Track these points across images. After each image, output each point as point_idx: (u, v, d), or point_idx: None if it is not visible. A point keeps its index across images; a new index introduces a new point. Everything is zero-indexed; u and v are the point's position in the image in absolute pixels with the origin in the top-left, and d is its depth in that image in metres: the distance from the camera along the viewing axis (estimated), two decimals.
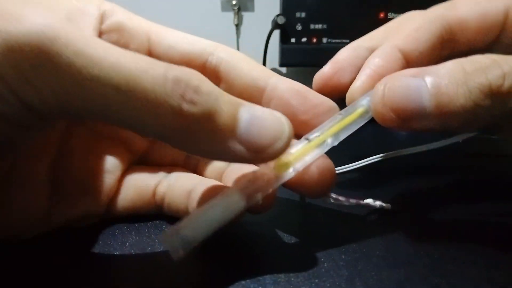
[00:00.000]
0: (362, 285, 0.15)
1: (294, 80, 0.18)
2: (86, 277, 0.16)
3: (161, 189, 0.20)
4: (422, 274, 0.16)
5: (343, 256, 0.17)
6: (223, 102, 0.14)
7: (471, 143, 0.31)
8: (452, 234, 0.19)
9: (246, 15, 0.76)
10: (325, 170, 0.17)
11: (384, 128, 0.17)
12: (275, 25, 0.65)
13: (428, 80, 0.15)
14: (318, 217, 0.21)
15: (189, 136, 0.14)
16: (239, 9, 0.75)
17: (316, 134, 0.17)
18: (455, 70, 0.15)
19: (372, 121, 0.17)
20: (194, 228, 0.14)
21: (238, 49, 0.76)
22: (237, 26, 0.76)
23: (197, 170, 0.22)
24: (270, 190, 0.16)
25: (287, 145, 0.15)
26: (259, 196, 0.15)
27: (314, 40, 0.65)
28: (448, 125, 0.16)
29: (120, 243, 0.18)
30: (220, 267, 0.16)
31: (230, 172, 0.20)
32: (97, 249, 0.18)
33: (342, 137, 0.17)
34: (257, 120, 0.14)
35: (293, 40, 0.66)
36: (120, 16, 0.19)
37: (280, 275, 0.16)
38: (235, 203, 0.15)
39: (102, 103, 0.13)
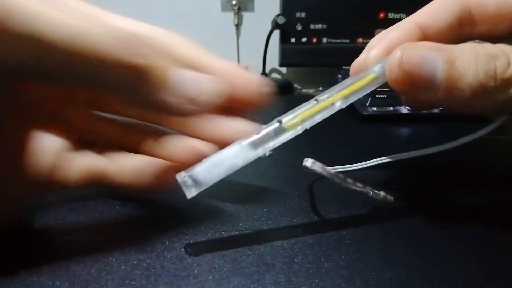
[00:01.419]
0: (362, 285, 0.15)
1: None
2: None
3: (110, 168, 0.20)
4: (422, 274, 0.16)
5: (343, 256, 0.17)
6: (160, 59, 0.15)
7: (471, 143, 0.31)
8: (453, 234, 0.19)
9: (246, 15, 0.76)
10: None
11: (393, 130, 0.17)
12: (275, 25, 0.65)
13: (444, 55, 0.17)
14: (318, 216, 0.21)
15: (133, 86, 0.15)
16: (239, 9, 0.75)
17: (326, 95, 0.18)
18: (469, 52, 0.17)
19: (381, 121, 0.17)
20: (206, 172, 0.16)
21: (238, 49, 0.76)
22: (237, 26, 0.76)
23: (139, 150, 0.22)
24: (276, 143, 0.17)
25: (215, 97, 0.17)
26: (266, 149, 0.17)
27: (314, 40, 0.65)
28: (452, 102, 0.17)
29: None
30: (220, 267, 0.16)
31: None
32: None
33: (351, 100, 0.18)
34: (189, 74, 0.16)
35: (293, 40, 0.66)
36: None
37: (280, 275, 0.16)
38: (244, 152, 0.17)
39: (49, 59, 0.14)
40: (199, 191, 0.16)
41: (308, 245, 0.18)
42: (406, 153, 0.25)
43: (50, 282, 0.15)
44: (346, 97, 0.18)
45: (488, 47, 0.17)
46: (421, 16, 0.20)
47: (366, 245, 0.18)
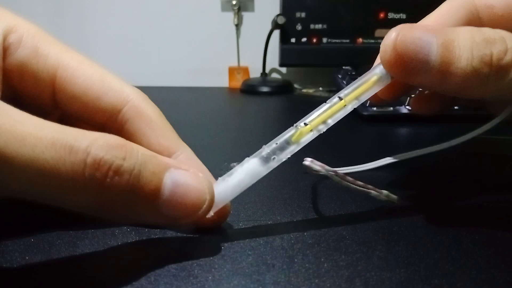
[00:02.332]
0: (362, 285, 0.15)
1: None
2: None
3: None
4: (422, 274, 0.16)
5: (343, 256, 0.17)
6: (145, 175, 0.14)
7: (471, 143, 0.31)
8: (453, 234, 0.19)
9: (246, 15, 0.76)
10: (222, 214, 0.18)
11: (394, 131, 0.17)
12: (275, 25, 0.65)
13: (440, 38, 0.16)
14: (318, 216, 0.21)
15: (111, 208, 0.14)
16: (239, 9, 0.75)
17: (336, 99, 0.19)
18: (465, 36, 0.16)
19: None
20: (221, 193, 0.17)
21: (238, 49, 0.76)
22: (237, 26, 0.76)
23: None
24: (288, 155, 0.18)
25: (206, 213, 0.16)
26: (276, 158, 0.18)
27: (314, 40, 0.65)
28: (445, 86, 0.17)
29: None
30: (220, 267, 0.16)
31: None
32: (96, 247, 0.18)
33: (362, 100, 0.19)
34: (179, 188, 0.15)
35: (293, 40, 0.66)
36: (25, 52, 0.17)
37: (280, 275, 0.16)
38: (255, 169, 0.17)
39: (20, 187, 0.13)
40: (216, 210, 0.17)
41: (308, 245, 0.18)
42: (407, 152, 0.25)
43: (49, 281, 0.15)
44: (357, 98, 0.19)
45: (486, 31, 0.16)
46: (430, 23, 0.20)
47: (366, 245, 0.18)
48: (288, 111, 0.52)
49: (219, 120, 0.47)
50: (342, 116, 0.19)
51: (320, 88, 0.67)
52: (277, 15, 0.64)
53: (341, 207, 0.22)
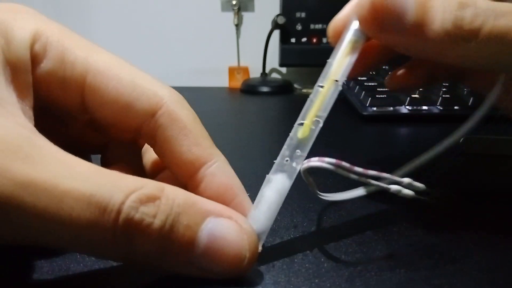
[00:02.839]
0: (362, 285, 0.15)
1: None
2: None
3: None
4: (423, 274, 0.16)
5: (343, 256, 0.17)
6: (178, 229, 0.14)
7: (471, 143, 0.31)
8: (453, 235, 0.19)
9: (246, 15, 0.76)
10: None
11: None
12: (275, 25, 0.65)
13: None
14: (318, 216, 0.21)
15: (142, 260, 0.14)
16: (239, 9, 0.75)
17: (324, 79, 0.18)
18: None
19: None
20: (259, 222, 0.16)
21: (238, 49, 0.76)
22: (237, 26, 0.76)
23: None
24: (306, 152, 0.17)
25: (248, 268, 0.15)
26: (298, 166, 0.17)
27: (314, 40, 0.65)
28: (419, 46, 0.17)
29: None
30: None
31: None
32: None
33: (347, 73, 0.18)
34: (216, 242, 0.14)
35: (293, 40, 0.66)
36: (51, 62, 0.16)
37: (280, 275, 0.16)
38: (284, 185, 0.17)
39: (47, 240, 0.13)
40: (263, 242, 0.16)
41: (308, 245, 0.18)
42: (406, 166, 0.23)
43: (49, 282, 0.15)
44: (340, 77, 0.18)
45: None
46: None
47: (366, 245, 0.18)
48: (288, 111, 0.52)
49: (219, 120, 0.47)
50: (336, 96, 0.18)
51: None
52: (277, 15, 0.64)
53: (340, 207, 0.22)
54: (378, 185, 0.18)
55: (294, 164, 0.17)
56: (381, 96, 0.44)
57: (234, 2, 0.74)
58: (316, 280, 0.15)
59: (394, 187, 0.18)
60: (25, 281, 0.15)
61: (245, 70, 0.76)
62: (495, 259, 0.17)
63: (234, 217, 0.15)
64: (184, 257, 0.14)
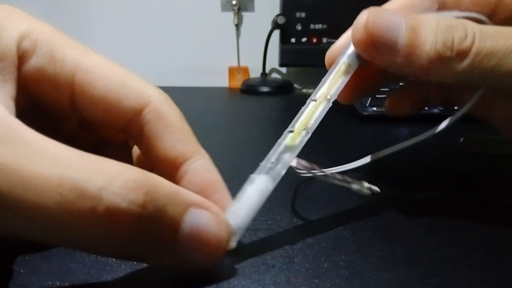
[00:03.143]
0: (362, 285, 0.15)
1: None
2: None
3: None
4: (421, 274, 0.16)
5: (343, 256, 0.17)
6: (163, 219, 0.13)
7: (471, 143, 0.31)
8: (451, 235, 0.19)
9: (246, 15, 0.76)
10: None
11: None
12: (275, 25, 0.65)
13: (408, 21, 0.18)
14: (318, 216, 0.21)
15: (124, 250, 0.13)
16: (239, 9, 0.75)
17: (318, 93, 0.19)
18: (430, 22, 0.18)
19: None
20: (237, 219, 0.16)
21: (238, 49, 0.76)
22: (237, 26, 0.76)
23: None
24: (293, 160, 0.18)
25: (220, 259, 0.15)
26: (283, 171, 0.17)
27: (314, 40, 0.65)
28: (411, 67, 0.18)
29: None
30: (220, 268, 0.16)
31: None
32: None
33: (338, 92, 0.19)
34: (197, 232, 0.14)
35: (293, 40, 0.66)
36: (41, 59, 0.16)
37: (280, 275, 0.16)
38: (266, 186, 0.17)
39: (26, 230, 0.12)
40: (239, 238, 0.16)
41: (308, 245, 0.18)
42: (384, 150, 0.25)
43: (49, 282, 0.15)
44: (332, 94, 0.19)
45: (450, 19, 0.18)
46: (396, 5, 0.20)
47: (365, 245, 0.18)
48: (288, 111, 0.52)
49: (219, 120, 0.47)
50: (325, 112, 0.19)
51: None
52: (277, 15, 0.64)
53: (340, 207, 0.22)
54: (344, 184, 0.20)
55: (278, 168, 0.17)
56: (381, 96, 0.44)
57: (234, 2, 0.74)
58: (316, 280, 0.15)
59: (355, 187, 0.20)
60: (25, 281, 0.16)
61: (245, 70, 0.76)
62: (492, 258, 0.17)
63: (212, 208, 0.15)
64: (167, 247, 0.14)
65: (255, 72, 0.75)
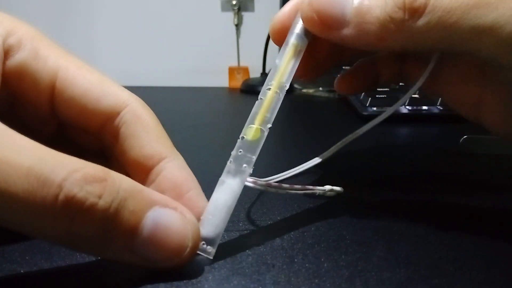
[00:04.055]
0: (362, 285, 0.15)
1: (294, 80, 0.18)
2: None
3: None
4: (422, 274, 0.16)
5: (343, 256, 0.17)
6: (123, 214, 0.14)
7: (471, 143, 0.31)
8: (452, 235, 0.19)
9: (246, 15, 0.76)
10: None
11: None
12: None
13: None
14: (318, 216, 0.21)
15: (84, 244, 0.14)
16: (239, 9, 0.75)
17: (271, 82, 0.18)
18: None
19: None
20: (211, 226, 0.16)
21: (238, 49, 0.76)
22: (237, 26, 0.76)
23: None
24: (254, 157, 0.17)
25: (187, 259, 0.15)
26: (247, 167, 0.17)
27: None
28: (364, 38, 0.17)
29: None
30: (220, 267, 0.16)
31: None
32: None
33: (290, 80, 0.19)
34: (160, 230, 0.14)
35: None
36: (25, 54, 0.17)
37: (280, 275, 0.16)
38: (235, 187, 0.17)
39: None
40: (216, 247, 0.16)
41: (308, 245, 0.18)
42: (331, 148, 0.25)
43: (49, 282, 0.15)
44: (286, 80, 0.19)
45: None
46: None
47: (366, 245, 0.18)
48: (288, 111, 0.52)
49: (219, 120, 0.47)
50: (282, 98, 0.19)
51: (320, 88, 0.67)
52: None
53: (341, 207, 0.22)
54: (306, 192, 0.19)
55: (244, 166, 0.17)
56: (381, 96, 0.44)
57: (234, 2, 0.74)
58: (316, 280, 0.15)
59: (319, 191, 0.20)
60: (25, 282, 0.16)
61: (245, 70, 0.76)
62: (495, 259, 0.17)
63: (179, 208, 0.15)
64: (126, 243, 0.14)
65: (255, 72, 0.75)
